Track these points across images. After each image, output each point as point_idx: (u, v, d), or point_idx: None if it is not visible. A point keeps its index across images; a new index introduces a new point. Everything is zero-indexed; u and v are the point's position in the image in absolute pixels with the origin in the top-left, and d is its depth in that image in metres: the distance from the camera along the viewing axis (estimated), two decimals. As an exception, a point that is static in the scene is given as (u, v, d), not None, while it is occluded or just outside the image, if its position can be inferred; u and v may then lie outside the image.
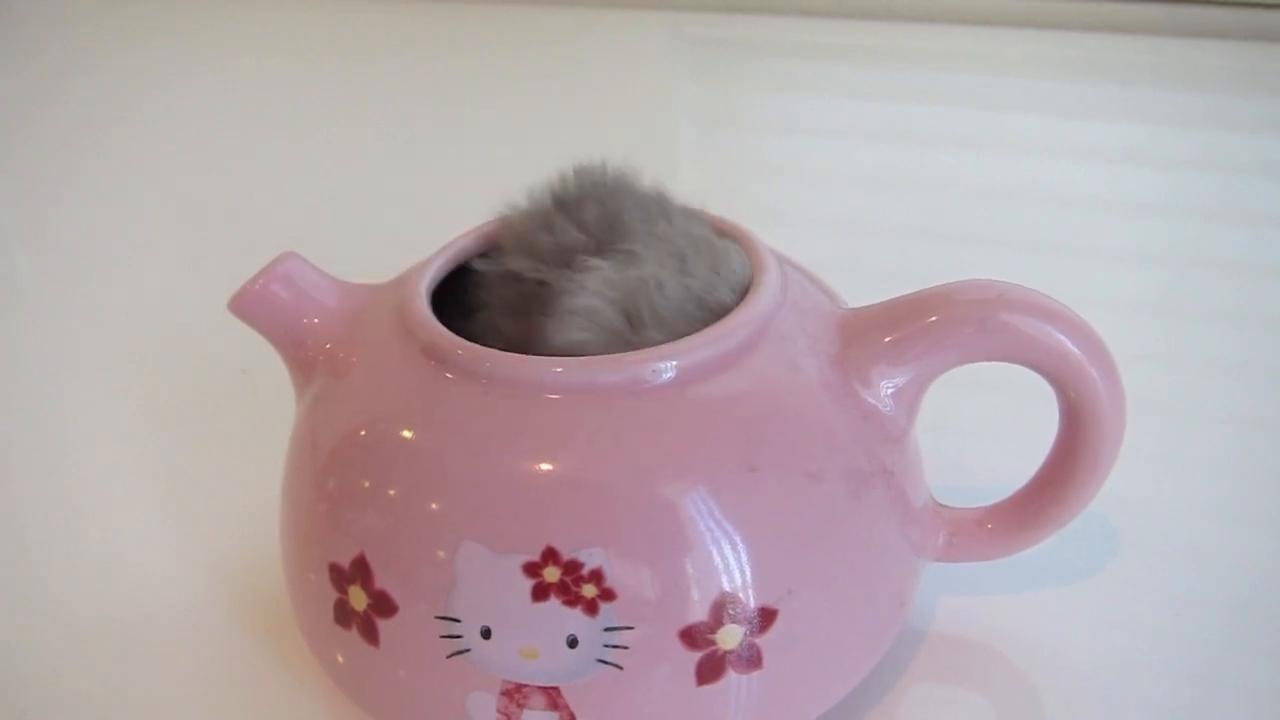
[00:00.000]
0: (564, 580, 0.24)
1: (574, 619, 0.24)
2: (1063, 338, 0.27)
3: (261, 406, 0.42)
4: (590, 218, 0.29)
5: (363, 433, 0.27)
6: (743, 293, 0.28)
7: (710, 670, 0.25)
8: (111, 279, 0.52)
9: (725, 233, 0.30)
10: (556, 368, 0.26)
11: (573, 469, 0.25)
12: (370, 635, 0.26)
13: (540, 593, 0.24)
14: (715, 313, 0.27)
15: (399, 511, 0.26)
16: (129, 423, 0.42)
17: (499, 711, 0.25)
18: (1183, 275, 0.49)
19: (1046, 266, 0.48)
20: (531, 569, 0.24)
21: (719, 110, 0.68)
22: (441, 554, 0.25)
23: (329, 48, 0.75)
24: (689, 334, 0.26)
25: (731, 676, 0.25)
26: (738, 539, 0.25)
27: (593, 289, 0.27)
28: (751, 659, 0.25)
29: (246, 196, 0.58)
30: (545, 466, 0.25)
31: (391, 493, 0.26)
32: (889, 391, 0.28)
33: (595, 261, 0.28)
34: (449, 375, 0.26)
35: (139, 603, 0.35)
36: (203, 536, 0.37)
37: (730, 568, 0.25)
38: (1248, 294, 0.47)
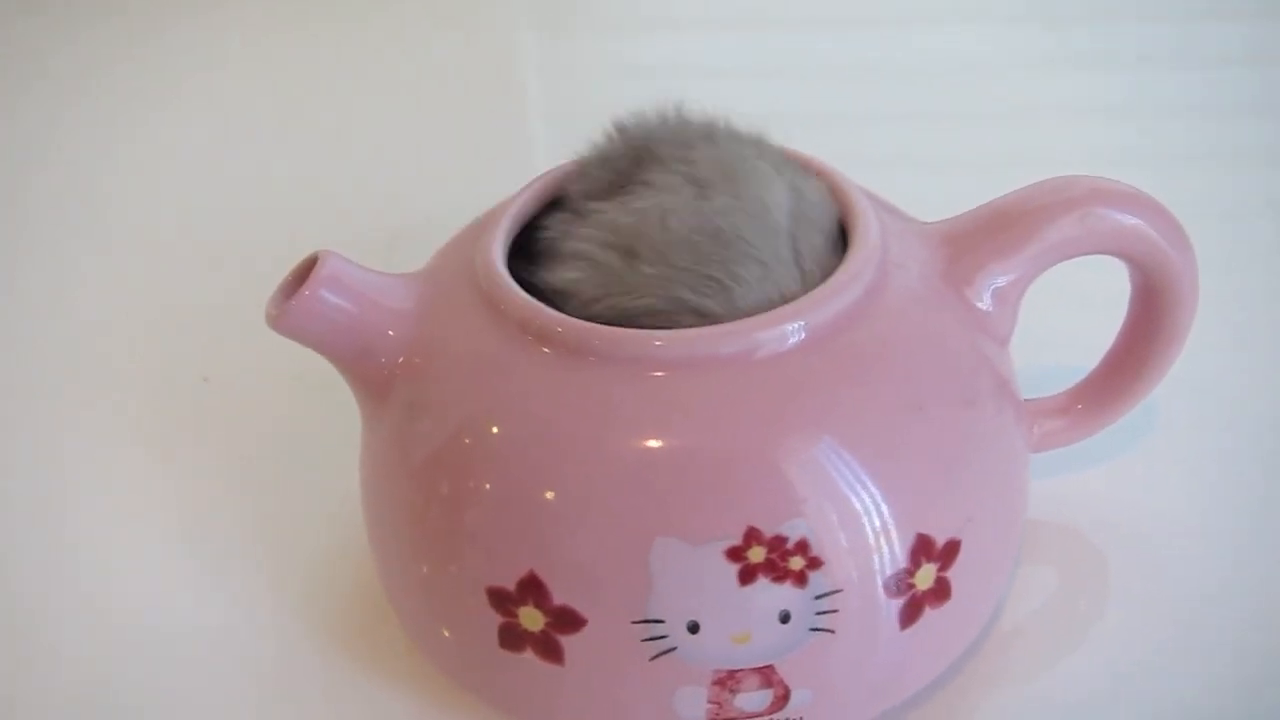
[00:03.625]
0: (770, 558, 0.23)
1: (784, 594, 0.23)
2: (1148, 225, 0.28)
3: (227, 416, 0.38)
4: (618, 156, 0.28)
5: (487, 433, 0.25)
6: (796, 219, 0.27)
7: (911, 613, 0.25)
8: (54, 283, 0.45)
9: (801, 165, 0.28)
10: (668, 340, 0.24)
11: (751, 444, 0.24)
12: (552, 654, 0.24)
13: (747, 575, 0.23)
14: (726, 240, 0.26)
15: (569, 519, 0.24)
16: (93, 438, 0.38)
17: (710, 701, 0.24)
18: (1146, 124, 0.50)
19: (975, 135, 0.49)
20: (735, 553, 0.23)
21: (561, 13, 0.65)
22: (632, 556, 0.23)
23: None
24: (691, 267, 0.25)
25: (928, 614, 0.25)
26: (922, 479, 0.25)
27: (583, 235, 0.26)
28: (942, 592, 0.25)
29: (184, 195, 0.51)
30: (722, 445, 0.23)
31: (553, 499, 0.24)
32: (995, 299, 0.28)
33: (598, 205, 0.27)
34: (551, 353, 0.25)
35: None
36: (195, 557, 0.34)
37: (920, 509, 0.24)
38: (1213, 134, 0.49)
